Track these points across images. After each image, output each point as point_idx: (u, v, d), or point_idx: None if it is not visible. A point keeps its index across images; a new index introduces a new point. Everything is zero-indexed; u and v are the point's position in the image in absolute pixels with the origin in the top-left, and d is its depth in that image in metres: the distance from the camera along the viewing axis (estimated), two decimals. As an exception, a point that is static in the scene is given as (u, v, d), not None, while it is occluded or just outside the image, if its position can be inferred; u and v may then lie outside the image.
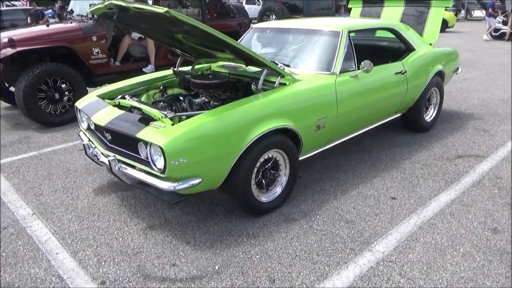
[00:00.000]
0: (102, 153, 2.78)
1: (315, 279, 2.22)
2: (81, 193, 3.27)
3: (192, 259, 2.41)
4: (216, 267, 2.33)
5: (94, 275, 2.30)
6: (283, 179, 2.97)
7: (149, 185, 2.50)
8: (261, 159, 2.74)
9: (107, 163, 2.63)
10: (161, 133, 2.39)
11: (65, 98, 5.07)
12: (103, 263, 2.40)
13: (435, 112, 4.68)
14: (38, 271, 2.34)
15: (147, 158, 2.46)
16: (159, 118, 2.59)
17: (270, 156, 2.83)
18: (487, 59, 9.79)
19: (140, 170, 2.53)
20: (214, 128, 2.46)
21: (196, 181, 2.43)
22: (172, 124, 2.48)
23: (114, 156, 2.65)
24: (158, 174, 2.41)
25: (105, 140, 2.84)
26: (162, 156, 2.31)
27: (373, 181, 3.38)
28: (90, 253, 2.49)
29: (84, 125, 3.15)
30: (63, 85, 5.02)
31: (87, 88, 5.25)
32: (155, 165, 2.43)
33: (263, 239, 2.59)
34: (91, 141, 2.97)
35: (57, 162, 3.93)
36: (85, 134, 3.14)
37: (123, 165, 2.62)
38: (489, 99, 6.01)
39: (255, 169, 2.72)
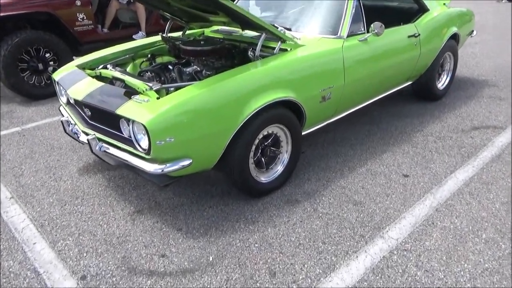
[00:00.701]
0: (82, 131, 2.49)
1: (321, 271, 1.98)
2: (65, 173, 3.00)
3: (184, 248, 2.16)
4: (210, 258, 2.08)
5: (74, 268, 2.06)
6: (284, 156, 2.68)
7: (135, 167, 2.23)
8: (260, 136, 2.45)
9: (87, 142, 2.34)
10: (144, 108, 2.09)
11: (50, 69, 4.72)
12: (85, 254, 2.16)
13: (448, 79, 4.34)
14: (12, 264, 2.10)
15: (130, 137, 2.17)
16: (143, 91, 2.27)
17: (270, 131, 2.53)
18: (499, 23, 9.27)
19: (124, 150, 2.25)
20: (206, 102, 2.15)
21: (187, 162, 2.14)
22: (158, 98, 2.17)
23: (94, 134, 2.35)
24: (143, 155, 2.12)
25: (85, 116, 2.53)
26: (146, 135, 2.01)
27: (383, 156, 3.09)
28: (70, 243, 2.25)
29: (63, 99, 2.84)
30: (47, 55, 4.66)
31: (74, 57, 4.88)
32: (139, 145, 2.14)
33: (263, 224, 2.34)
34: (71, 117, 2.67)
35: (40, 138, 3.64)
36: (65, 109, 2.83)
37: (105, 145, 2.33)
38: (503, 65, 5.63)
39: (253, 147, 2.43)
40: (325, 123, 2.99)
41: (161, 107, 2.05)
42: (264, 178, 2.60)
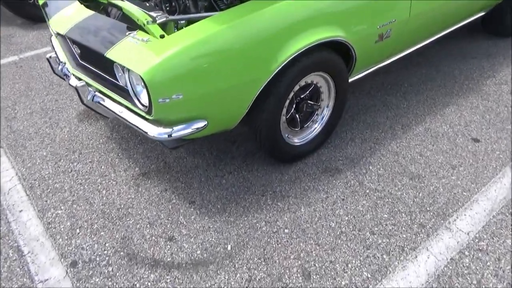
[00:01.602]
0: (72, 73, 1.97)
1: (369, 276, 1.54)
2: (62, 117, 2.56)
3: (196, 230, 1.75)
4: (229, 247, 1.67)
5: (64, 250, 1.69)
6: (324, 112, 2.13)
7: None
8: (296, 87, 1.89)
9: (75, 90, 1.84)
10: (142, 51, 1.54)
11: (50, -15, 4.06)
12: (78, 230, 1.78)
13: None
14: (-8, 238, 1.76)
15: (127, 88, 1.66)
16: (144, 24, 1.70)
17: (309, 81, 1.95)
18: None
19: (121, 104, 1.74)
20: (228, 42, 1.57)
21: (201, 124, 1.64)
22: (162, 36, 1.60)
23: (84, 81, 1.84)
24: (144, 114, 1.62)
25: (75, 54, 2.00)
26: (145, 89, 1.49)
27: (445, 111, 2.49)
28: (62, 213, 1.87)
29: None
30: (46, -32, 3.97)
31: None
32: (138, 100, 1.63)
33: (295, 201, 1.88)
34: (61, 53, 2.14)
35: (39, 71, 3.16)
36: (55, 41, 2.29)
37: (98, 94, 1.82)
38: None
39: (287, 102, 1.89)
40: (374, 68, 2.37)
41: (166, 51, 1.49)
42: (297, 139, 2.08)
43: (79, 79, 1.90)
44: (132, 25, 1.73)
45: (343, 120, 2.39)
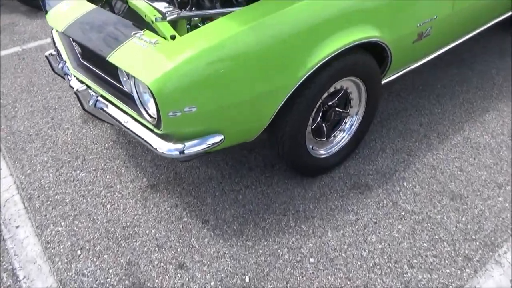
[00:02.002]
0: (73, 74, 1.77)
1: (409, 320, 1.34)
2: (65, 117, 2.37)
3: (210, 256, 1.56)
4: (247, 279, 1.48)
5: (63, 275, 1.51)
6: (353, 120, 1.90)
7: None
8: (325, 94, 1.66)
9: (75, 94, 1.64)
10: (150, 56, 1.32)
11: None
12: (79, 252, 1.60)
13: None
14: (-15, 260, 1.59)
15: (132, 94, 1.45)
16: (152, 22, 1.49)
17: (338, 87, 1.73)
18: None
19: (126, 113, 1.54)
20: (249, 45, 1.35)
21: (217, 138, 1.43)
22: (173, 37, 1.39)
23: (85, 85, 1.63)
24: (152, 126, 1.42)
25: (76, 52, 1.80)
26: (153, 99, 1.29)
27: (485, 118, 2.24)
28: (62, 231, 1.69)
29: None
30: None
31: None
32: (146, 111, 1.43)
33: (320, 223, 1.67)
34: (62, 50, 1.93)
35: (42, 64, 2.96)
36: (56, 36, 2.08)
37: (101, 99, 1.62)
38: None
39: (314, 111, 1.67)
40: (408, 69, 2.12)
41: (177, 56, 1.28)
42: (323, 150, 1.86)
43: (81, 81, 1.70)
44: (139, 22, 1.51)
45: (372, 127, 2.16)
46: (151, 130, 1.44)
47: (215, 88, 1.33)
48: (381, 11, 1.63)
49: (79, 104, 1.67)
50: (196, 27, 1.55)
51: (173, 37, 1.38)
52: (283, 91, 1.46)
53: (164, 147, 1.40)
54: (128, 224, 1.70)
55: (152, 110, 1.40)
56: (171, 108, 1.28)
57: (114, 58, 1.36)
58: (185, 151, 1.39)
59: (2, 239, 1.67)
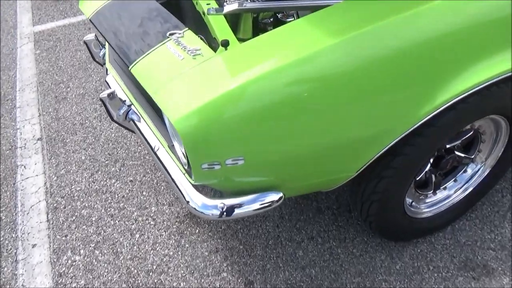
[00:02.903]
0: (107, 69, 1.41)
1: None
2: (114, 107, 2.06)
3: None
4: None
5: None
6: (477, 168, 1.31)
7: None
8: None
9: (100, 100, 1.27)
10: (182, 76, 0.88)
11: None
12: (91, 298, 1.29)
13: None
14: (-10, 286, 1.35)
15: (167, 128, 1.04)
16: (203, 13, 1.04)
17: (468, 126, 1.15)
18: None
19: (159, 139, 1.14)
20: (341, 65, 0.85)
21: (274, 197, 0.97)
22: (225, 44, 0.92)
23: (114, 90, 1.25)
24: (184, 171, 1.00)
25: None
26: (182, 146, 0.86)
27: None
28: (79, 262, 1.39)
29: None
30: None
31: None
32: (181, 153, 1.01)
33: (409, 319, 1.16)
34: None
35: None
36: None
37: (134, 109, 1.24)
38: None
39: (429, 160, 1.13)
40: None
41: (223, 81, 0.83)
42: (425, 207, 1.32)
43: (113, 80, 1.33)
44: (184, 14, 1.07)
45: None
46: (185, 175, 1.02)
47: (279, 131, 0.86)
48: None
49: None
50: (265, 26, 1.08)
51: (225, 44, 0.92)
52: (390, 135, 0.95)
53: (198, 200, 0.98)
54: (154, 267, 1.35)
55: (184, 157, 0.97)
56: (205, 160, 0.84)
57: (137, 69, 0.94)
58: (223, 211, 0.96)
59: (16, 259, 1.42)
